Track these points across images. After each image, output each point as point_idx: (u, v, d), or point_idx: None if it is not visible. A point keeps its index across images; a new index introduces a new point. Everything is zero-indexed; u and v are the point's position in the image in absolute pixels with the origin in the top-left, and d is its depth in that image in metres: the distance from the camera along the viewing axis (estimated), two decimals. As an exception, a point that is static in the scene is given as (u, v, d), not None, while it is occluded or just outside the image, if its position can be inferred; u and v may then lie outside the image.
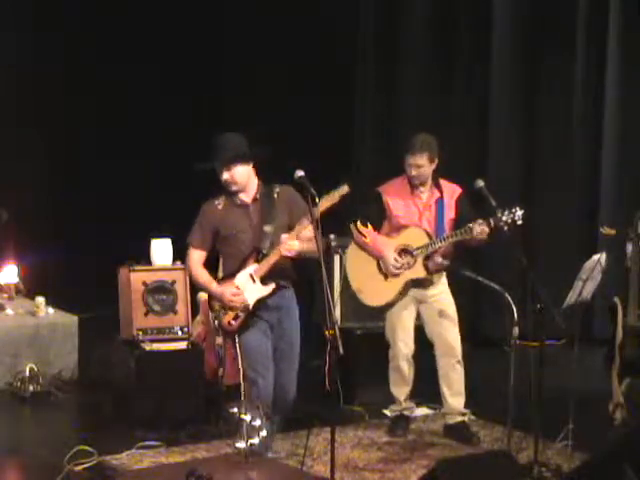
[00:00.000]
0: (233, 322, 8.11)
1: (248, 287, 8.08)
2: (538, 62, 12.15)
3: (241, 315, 8.09)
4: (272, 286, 8.07)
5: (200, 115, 13.03)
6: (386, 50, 12.35)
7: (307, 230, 7.93)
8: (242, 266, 8.15)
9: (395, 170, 9.22)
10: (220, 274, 8.43)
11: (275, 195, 8.18)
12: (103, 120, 13.25)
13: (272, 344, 8.20)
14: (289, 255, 8.00)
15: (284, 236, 7.99)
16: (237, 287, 8.07)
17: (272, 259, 8.03)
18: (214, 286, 8.19)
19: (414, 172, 8.87)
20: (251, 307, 8.08)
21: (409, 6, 12.45)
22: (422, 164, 8.82)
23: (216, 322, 8.26)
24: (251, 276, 8.08)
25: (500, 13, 12.18)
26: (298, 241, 7.98)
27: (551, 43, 12.17)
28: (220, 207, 8.17)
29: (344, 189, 7.67)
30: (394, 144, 10.87)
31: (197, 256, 8.24)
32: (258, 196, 8.17)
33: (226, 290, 8.07)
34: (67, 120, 13.10)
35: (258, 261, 8.09)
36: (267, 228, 8.12)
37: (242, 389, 8.10)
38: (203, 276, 8.25)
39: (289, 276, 8.17)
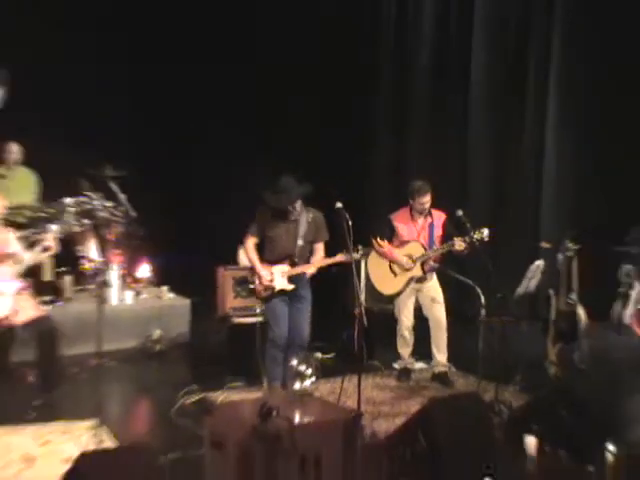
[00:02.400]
0: (263, 293, 8.44)
1: (278, 278, 8.39)
2: (500, 110, 11.85)
3: (268, 291, 8.41)
4: (292, 286, 8.39)
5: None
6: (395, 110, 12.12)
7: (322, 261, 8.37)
8: (279, 260, 8.44)
9: (399, 200, 9.46)
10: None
11: (310, 219, 8.45)
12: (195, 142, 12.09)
13: (290, 306, 8.45)
14: (308, 273, 8.38)
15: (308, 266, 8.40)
16: (272, 274, 8.39)
17: (298, 270, 8.37)
18: (258, 266, 8.48)
19: (423, 207, 9.10)
20: (276, 290, 8.39)
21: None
22: (427, 201, 9.07)
23: (252, 286, 8.59)
24: (283, 272, 8.39)
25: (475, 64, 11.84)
26: (311, 267, 8.40)
27: (509, 98, 11.77)
28: (269, 216, 8.43)
29: (358, 255, 7.92)
30: (400, 184, 10.71)
31: (252, 241, 8.53)
32: (297, 216, 8.42)
33: (263, 273, 8.41)
34: (179, 145, 12.01)
35: (290, 265, 8.41)
36: (299, 242, 8.40)
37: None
38: (254, 256, 8.53)
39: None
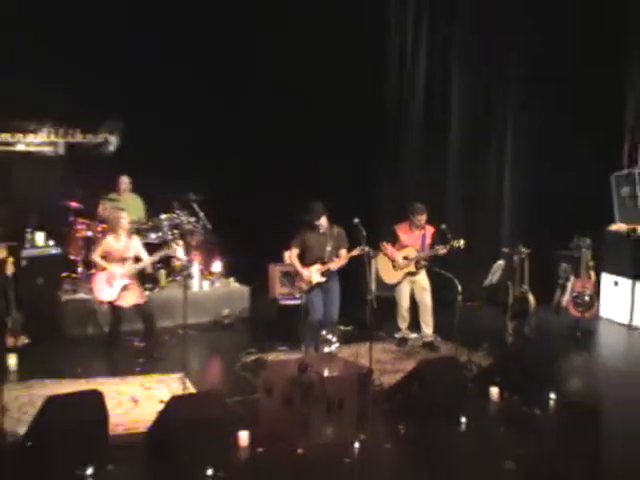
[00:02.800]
0: (304, 287, 8.39)
1: (314, 274, 8.35)
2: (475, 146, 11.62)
3: (308, 285, 8.38)
4: (324, 279, 8.35)
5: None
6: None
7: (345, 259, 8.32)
8: (314, 262, 8.38)
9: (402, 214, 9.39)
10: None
11: (334, 232, 8.42)
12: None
13: (324, 294, 8.39)
14: (333, 267, 8.32)
15: (333, 261, 8.32)
16: (310, 272, 8.36)
17: (328, 266, 8.34)
18: (300, 268, 8.42)
19: (417, 222, 9.02)
20: (313, 284, 8.36)
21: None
22: (423, 219, 9.01)
23: (297, 284, 8.57)
24: (317, 270, 8.37)
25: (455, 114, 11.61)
26: (336, 263, 8.31)
27: (478, 141, 11.60)
28: (308, 233, 8.42)
29: (364, 249, 7.80)
30: (400, 200, 10.57)
31: (295, 251, 8.47)
32: (326, 231, 8.41)
33: (304, 272, 8.37)
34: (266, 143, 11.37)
35: (321, 264, 8.40)
36: (328, 248, 8.38)
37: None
38: (297, 262, 8.45)
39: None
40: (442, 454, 6.32)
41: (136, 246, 8.71)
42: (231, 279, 10.81)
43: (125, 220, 8.62)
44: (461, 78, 11.51)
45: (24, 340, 8.49)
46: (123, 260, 8.53)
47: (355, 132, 11.24)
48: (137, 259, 8.70)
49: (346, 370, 6.90)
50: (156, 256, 8.84)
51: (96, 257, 8.62)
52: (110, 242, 8.57)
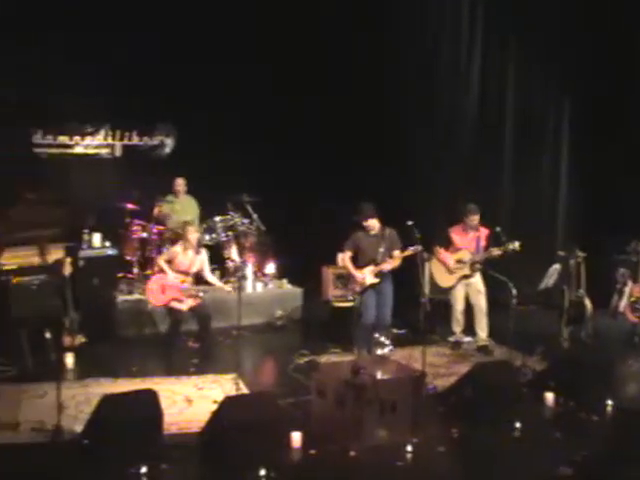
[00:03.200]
0: (357, 289, 8.40)
1: (367, 276, 8.37)
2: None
3: (361, 287, 8.37)
4: (378, 280, 8.35)
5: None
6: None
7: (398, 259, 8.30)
8: (367, 264, 8.39)
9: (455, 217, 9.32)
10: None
11: (387, 233, 8.42)
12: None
13: (377, 296, 8.39)
14: (386, 268, 8.30)
15: (386, 262, 8.32)
16: (363, 274, 8.37)
17: (379, 268, 8.32)
18: (353, 270, 8.45)
19: (470, 222, 9.01)
20: (367, 285, 8.35)
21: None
22: (476, 219, 8.98)
23: (350, 286, 8.65)
24: (370, 272, 8.36)
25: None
26: (389, 263, 8.28)
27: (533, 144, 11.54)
28: (360, 235, 8.45)
29: (417, 249, 7.89)
30: (454, 202, 10.25)
31: (347, 254, 8.53)
32: (378, 233, 8.42)
33: (357, 274, 8.39)
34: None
35: (374, 265, 8.39)
36: (381, 249, 8.38)
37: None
38: (349, 264, 8.49)
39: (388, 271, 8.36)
40: (496, 459, 6.26)
41: (201, 262, 8.76)
42: (284, 281, 10.83)
43: (193, 236, 8.66)
44: (515, 75, 11.38)
45: (81, 339, 8.62)
46: (186, 274, 8.61)
47: (408, 132, 11.18)
48: (199, 274, 8.75)
49: (399, 373, 6.87)
50: (219, 285, 8.90)
51: (161, 261, 8.72)
52: (177, 252, 8.66)
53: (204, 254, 8.84)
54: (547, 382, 7.47)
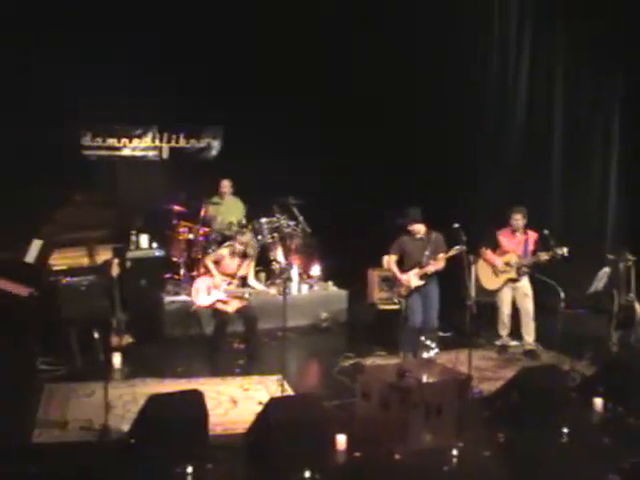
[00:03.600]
0: (403, 292, 8.40)
1: (413, 278, 8.35)
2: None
3: (407, 290, 8.37)
4: (423, 282, 8.34)
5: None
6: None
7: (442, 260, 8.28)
8: (412, 267, 8.38)
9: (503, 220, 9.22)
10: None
11: (432, 237, 8.40)
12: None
13: (423, 299, 8.38)
14: (431, 270, 8.28)
15: (431, 264, 8.30)
16: (408, 277, 8.36)
17: (424, 270, 8.30)
18: (399, 274, 8.44)
19: (514, 222, 8.96)
20: (412, 288, 8.34)
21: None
22: (519, 219, 8.91)
23: (396, 289, 8.59)
24: (415, 274, 8.34)
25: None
26: (434, 265, 8.27)
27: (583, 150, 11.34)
28: (406, 238, 8.45)
29: (461, 248, 7.85)
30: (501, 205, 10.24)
31: (393, 258, 8.53)
32: (424, 237, 8.42)
33: (403, 277, 8.37)
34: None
35: (419, 268, 8.37)
36: (426, 252, 8.35)
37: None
38: (395, 268, 8.49)
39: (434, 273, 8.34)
40: (543, 464, 6.20)
41: (248, 269, 8.80)
42: (329, 283, 10.82)
43: (240, 247, 8.69)
44: (564, 78, 11.25)
45: (128, 340, 8.72)
46: (232, 276, 8.66)
47: (455, 136, 11.12)
48: (244, 279, 8.78)
49: (445, 376, 6.84)
50: (261, 290, 8.97)
51: (209, 262, 8.78)
52: (224, 256, 8.73)
53: (252, 261, 8.89)
54: (596, 387, 7.37)
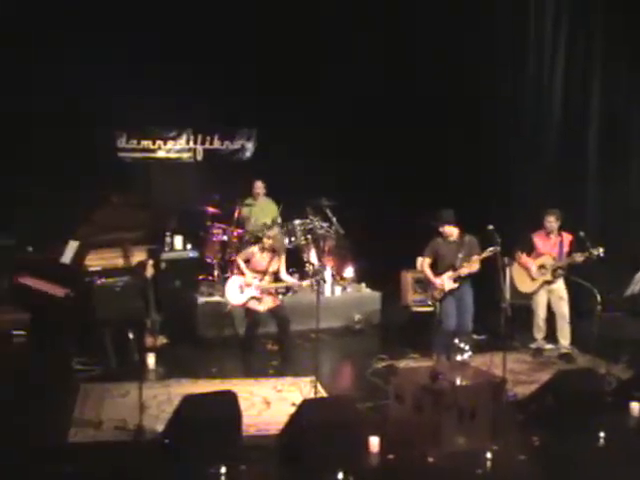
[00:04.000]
0: (437, 295, 8.35)
1: (446, 281, 8.30)
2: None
3: (441, 293, 8.34)
4: (457, 285, 8.30)
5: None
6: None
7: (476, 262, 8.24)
8: (445, 270, 8.34)
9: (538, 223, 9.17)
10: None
11: (466, 240, 8.36)
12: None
13: (457, 302, 8.35)
14: (464, 273, 8.24)
15: (464, 266, 8.26)
16: (442, 280, 8.33)
17: (457, 273, 8.26)
18: (432, 277, 8.42)
19: (547, 224, 8.91)
20: (446, 291, 8.32)
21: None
22: (552, 221, 8.86)
23: (429, 293, 8.57)
24: (449, 277, 8.31)
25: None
26: (467, 268, 8.23)
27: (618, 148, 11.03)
28: (440, 241, 8.42)
29: (495, 249, 7.80)
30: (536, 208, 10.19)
31: (427, 261, 8.50)
32: (457, 239, 8.37)
33: (436, 281, 8.35)
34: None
35: (453, 271, 8.33)
36: (460, 255, 8.30)
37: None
38: (428, 271, 8.47)
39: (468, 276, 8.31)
40: (579, 469, 6.15)
41: (279, 264, 8.84)
42: (362, 284, 10.81)
43: (269, 241, 8.75)
44: (601, 76, 11.12)
45: (162, 340, 8.78)
46: (263, 273, 8.71)
47: (490, 137, 11.07)
48: (276, 274, 8.84)
49: (479, 379, 6.81)
50: (294, 283, 9.06)
51: (240, 260, 8.85)
52: (254, 253, 8.78)
53: (283, 256, 8.93)
54: (632, 391, 7.30)
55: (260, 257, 8.74)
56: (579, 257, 8.59)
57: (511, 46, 11.28)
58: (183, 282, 10.09)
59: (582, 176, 11.22)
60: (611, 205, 11.15)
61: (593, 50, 11.05)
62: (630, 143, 11.14)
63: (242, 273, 8.74)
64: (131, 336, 8.20)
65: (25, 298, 8.14)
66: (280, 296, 8.74)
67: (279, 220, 10.40)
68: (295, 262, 10.21)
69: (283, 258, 8.92)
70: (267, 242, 8.74)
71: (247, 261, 8.79)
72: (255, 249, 8.81)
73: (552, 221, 8.91)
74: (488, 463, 6.08)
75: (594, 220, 11.01)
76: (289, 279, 8.99)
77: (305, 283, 8.98)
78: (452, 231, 8.38)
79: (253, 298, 8.63)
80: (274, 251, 8.76)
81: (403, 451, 6.17)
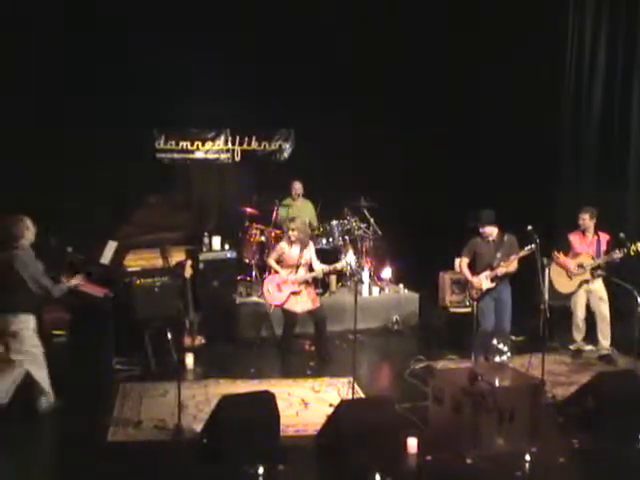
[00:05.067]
0: (475, 295, 8.30)
1: (484, 281, 8.25)
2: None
3: (479, 293, 8.29)
4: (494, 284, 8.23)
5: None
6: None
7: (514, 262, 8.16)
8: (483, 270, 8.28)
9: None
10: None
11: (505, 239, 8.30)
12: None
13: (495, 302, 8.29)
14: (502, 272, 8.17)
15: (502, 265, 8.18)
16: (479, 279, 8.27)
17: (495, 272, 8.20)
18: (470, 277, 8.36)
19: (581, 222, 8.85)
20: (484, 291, 8.27)
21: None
22: (585, 218, 8.80)
23: (467, 292, 8.53)
24: (486, 276, 8.26)
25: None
26: (505, 267, 8.17)
27: None
28: (478, 240, 8.36)
29: (532, 248, 7.72)
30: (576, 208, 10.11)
31: (465, 261, 8.44)
32: (496, 239, 8.32)
33: (474, 280, 8.29)
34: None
35: (490, 270, 8.27)
36: (498, 255, 8.25)
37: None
38: (466, 271, 8.40)
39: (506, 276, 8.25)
40: (619, 472, 6.07)
41: (310, 254, 8.85)
42: (400, 286, 10.78)
43: (294, 233, 8.74)
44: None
45: (201, 340, 8.84)
46: (296, 267, 8.72)
47: (530, 137, 10.96)
48: (310, 267, 8.85)
49: (517, 380, 6.75)
50: (328, 268, 9.00)
51: (271, 261, 8.88)
52: (284, 248, 8.79)
53: (311, 245, 8.95)
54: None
55: (290, 251, 8.76)
56: (617, 254, 8.52)
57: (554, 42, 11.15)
58: (221, 282, 10.12)
59: (622, 174, 11.08)
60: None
61: (634, 45, 10.89)
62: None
63: (277, 272, 8.77)
64: (170, 336, 8.23)
65: (65, 298, 8.20)
66: (319, 297, 8.71)
67: (315, 223, 10.40)
68: (333, 263, 10.15)
69: (312, 247, 8.93)
70: (293, 234, 8.74)
71: (278, 261, 8.82)
72: (283, 244, 8.83)
73: (586, 218, 8.86)
74: (527, 465, 6.02)
75: (634, 219, 10.88)
76: (323, 266, 8.96)
77: (339, 265, 8.97)
78: (492, 231, 8.33)
79: (293, 293, 8.65)
80: (302, 242, 8.77)
81: (441, 453, 6.14)
